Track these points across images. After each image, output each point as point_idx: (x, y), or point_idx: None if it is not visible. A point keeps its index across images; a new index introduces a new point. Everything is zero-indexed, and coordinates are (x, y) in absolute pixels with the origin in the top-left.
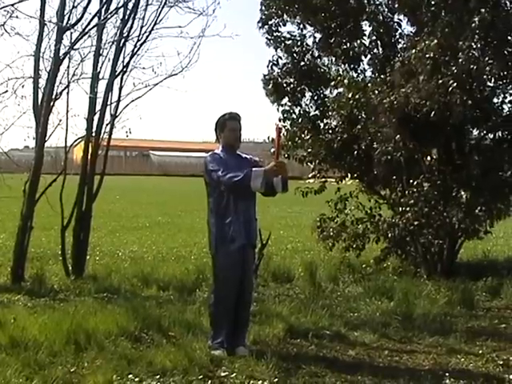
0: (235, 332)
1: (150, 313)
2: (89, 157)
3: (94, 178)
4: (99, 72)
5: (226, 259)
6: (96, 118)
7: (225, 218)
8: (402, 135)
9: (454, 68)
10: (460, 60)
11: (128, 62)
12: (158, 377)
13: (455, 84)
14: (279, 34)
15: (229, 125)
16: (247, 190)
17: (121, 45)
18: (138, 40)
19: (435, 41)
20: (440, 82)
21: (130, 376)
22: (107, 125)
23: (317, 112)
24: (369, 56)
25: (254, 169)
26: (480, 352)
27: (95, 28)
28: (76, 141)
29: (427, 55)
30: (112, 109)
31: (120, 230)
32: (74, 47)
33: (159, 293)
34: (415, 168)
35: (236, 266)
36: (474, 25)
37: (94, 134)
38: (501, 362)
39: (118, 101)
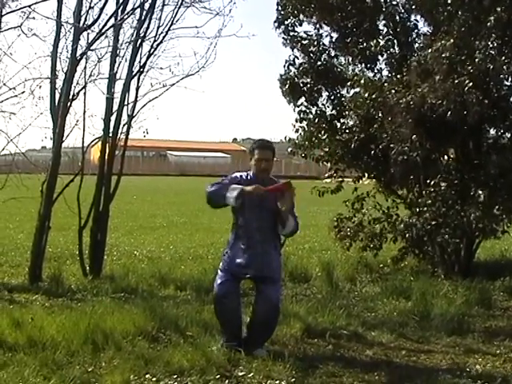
0: (252, 336)
1: (167, 313)
2: (106, 157)
3: (111, 178)
4: (116, 72)
5: (221, 281)
6: (113, 118)
7: (237, 242)
8: (419, 135)
9: (470, 67)
10: (476, 59)
11: (145, 63)
12: (175, 376)
13: (471, 83)
14: (295, 34)
15: (256, 154)
16: (221, 201)
17: (137, 45)
18: (155, 40)
19: (451, 40)
20: (456, 81)
21: (148, 376)
22: (124, 125)
23: (333, 112)
24: (385, 55)
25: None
26: (498, 352)
27: (112, 28)
28: (93, 141)
29: (443, 55)
30: (129, 109)
31: (137, 230)
32: (91, 48)
33: (176, 293)
34: (432, 168)
35: (229, 293)
36: (489, 24)
37: (111, 135)
38: None
39: (135, 101)
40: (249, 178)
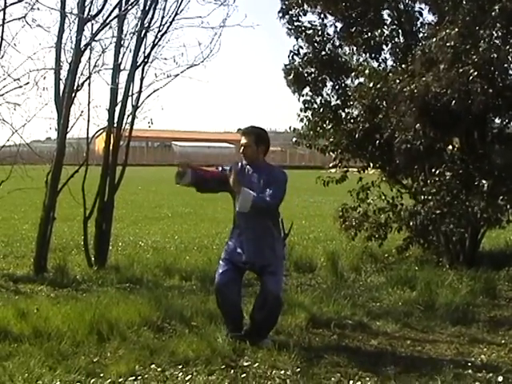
0: (254, 326)
1: (172, 303)
2: (111, 148)
3: (116, 169)
4: (120, 63)
5: (222, 271)
6: (118, 108)
7: (235, 230)
8: (422, 124)
9: (474, 56)
10: (481, 49)
11: (149, 53)
12: (180, 366)
13: (476, 73)
14: (300, 24)
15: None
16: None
17: (142, 35)
18: (159, 31)
19: (456, 29)
20: (461, 70)
21: (153, 366)
22: (129, 116)
23: (338, 101)
24: (390, 45)
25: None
26: (502, 342)
27: (116, 19)
28: (98, 132)
29: (448, 44)
30: (133, 99)
31: (142, 221)
32: (95, 38)
33: (181, 283)
34: (437, 157)
35: (230, 283)
36: (494, 13)
37: (115, 125)
38: None
39: (140, 91)
40: (241, 165)
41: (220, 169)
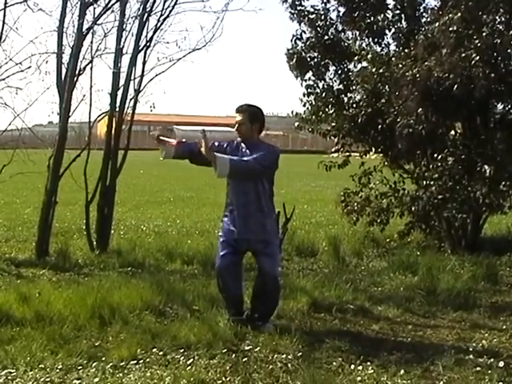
0: (254, 310)
1: (174, 287)
2: (113, 132)
3: (118, 153)
4: (123, 47)
5: (222, 254)
6: (120, 92)
7: (227, 207)
8: (425, 108)
9: (477, 41)
10: (484, 33)
11: (151, 37)
12: (182, 350)
13: (478, 57)
14: (303, 8)
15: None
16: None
17: (144, 19)
18: (162, 15)
19: (459, 14)
20: (463, 55)
21: (155, 350)
22: (131, 100)
23: (341, 86)
24: (393, 30)
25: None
26: (504, 327)
27: (118, 3)
28: (100, 116)
29: (450, 28)
30: (136, 84)
31: (144, 205)
32: (98, 22)
33: (183, 267)
34: (439, 142)
35: (230, 266)
36: None
37: (117, 109)
38: None
39: (142, 75)
40: (236, 143)
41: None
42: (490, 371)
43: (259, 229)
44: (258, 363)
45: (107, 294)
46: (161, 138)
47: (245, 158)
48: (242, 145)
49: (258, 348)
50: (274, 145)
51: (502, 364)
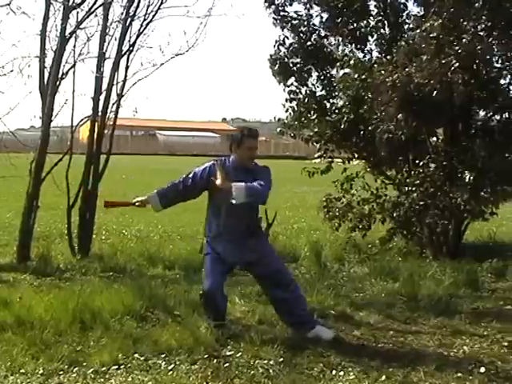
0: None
1: (155, 292)
2: (95, 136)
3: (100, 158)
4: (105, 51)
5: (212, 276)
6: (102, 97)
7: (210, 231)
8: (404, 114)
9: (457, 48)
10: (464, 40)
11: (134, 42)
12: (163, 356)
13: (458, 64)
14: (286, 14)
15: (246, 142)
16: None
17: (127, 24)
18: (145, 19)
19: (440, 21)
20: (443, 61)
21: (136, 355)
22: (113, 104)
23: (323, 92)
24: (375, 36)
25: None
26: (485, 333)
27: (101, 7)
28: (82, 120)
29: (432, 35)
30: (118, 88)
31: (126, 210)
32: (80, 26)
33: (165, 272)
34: (420, 148)
35: (219, 288)
36: (478, 5)
37: (100, 114)
38: (506, 344)
39: (125, 80)
40: (230, 165)
41: (202, 168)
42: (471, 377)
43: (250, 253)
44: (239, 369)
45: (88, 298)
46: (137, 203)
47: (259, 186)
48: (239, 169)
49: (240, 353)
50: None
51: (483, 370)
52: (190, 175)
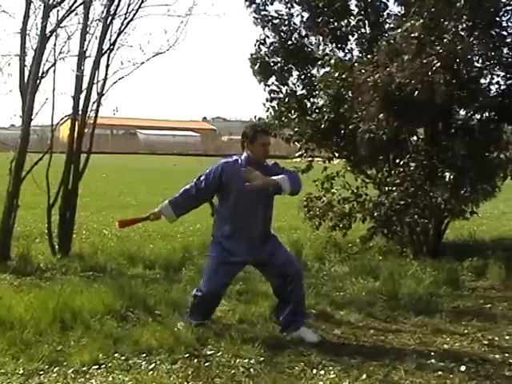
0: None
1: (136, 291)
2: (75, 135)
3: (81, 157)
4: (86, 50)
5: (219, 266)
6: (82, 96)
7: (222, 229)
8: (386, 114)
9: (439, 48)
10: (445, 40)
11: (115, 40)
12: (143, 355)
13: (439, 64)
14: (266, 13)
15: (260, 139)
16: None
17: (108, 22)
18: (125, 18)
19: (421, 20)
20: (424, 61)
21: (116, 355)
22: (94, 103)
23: (304, 91)
24: (356, 35)
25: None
26: (465, 332)
27: (82, 6)
28: (62, 119)
29: (413, 35)
30: (99, 87)
31: (106, 209)
32: (61, 25)
33: (145, 271)
34: (401, 148)
35: (223, 291)
36: (459, 5)
37: (80, 113)
38: (486, 342)
39: (105, 79)
40: (242, 164)
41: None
42: (451, 375)
43: (265, 252)
44: (220, 368)
45: (69, 298)
46: (151, 217)
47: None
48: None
49: (220, 353)
50: None
51: (463, 368)
52: (202, 177)
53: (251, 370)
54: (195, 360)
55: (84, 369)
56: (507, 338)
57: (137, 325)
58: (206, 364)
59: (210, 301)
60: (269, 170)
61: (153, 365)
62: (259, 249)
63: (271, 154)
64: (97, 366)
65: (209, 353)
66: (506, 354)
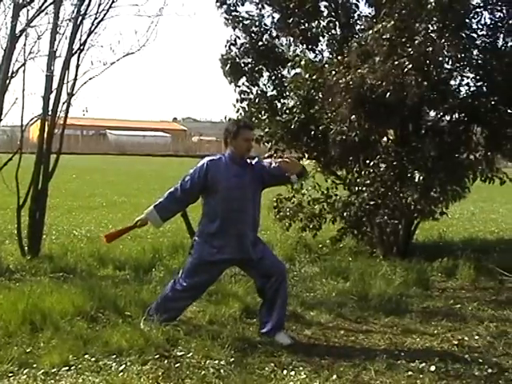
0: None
1: (106, 292)
2: (45, 135)
3: (50, 157)
4: (56, 50)
5: (202, 266)
6: (52, 96)
7: (208, 227)
8: (357, 115)
9: (410, 49)
10: (416, 41)
11: (85, 40)
12: (114, 357)
13: (411, 65)
14: (237, 14)
15: (242, 133)
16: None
17: (78, 22)
18: (96, 18)
19: (392, 22)
20: (396, 63)
21: (86, 356)
22: (64, 103)
23: (274, 92)
24: (327, 37)
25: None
26: (435, 332)
27: (52, 5)
28: (32, 119)
29: (384, 36)
30: (69, 87)
31: (76, 210)
32: (31, 24)
33: (115, 272)
34: (372, 149)
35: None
36: (430, 6)
37: (50, 113)
38: (455, 342)
39: (75, 79)
40: (226, 161)
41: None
42: (421, 375)
43: (250, 249)
44: (190, 369)
45: (38, 299)
46: (138, 223)
47: None
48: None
49: (191, 354)
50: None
51: (433, 368)
52: (187, 178)
53: (221, 370)
54: (165, 361)
55: (54, 370)
56: (477, 337)
57: (107, 326)
58: (177, 365)
59: (182, 298)
60: (251, 167)
61: (123, 366)
62: (250, 249)
63: None
64: (67, 368)
65: (179, 354)
66: (476, 354)
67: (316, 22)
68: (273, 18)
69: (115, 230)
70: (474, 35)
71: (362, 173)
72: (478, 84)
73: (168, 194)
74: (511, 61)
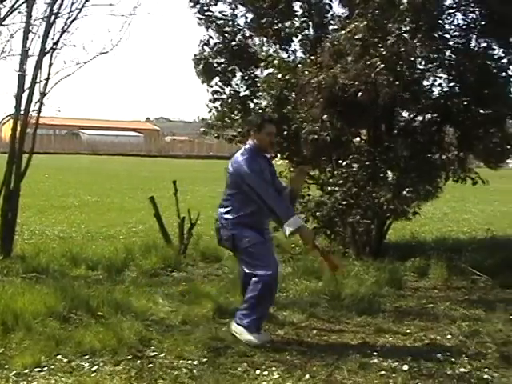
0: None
1: (78, 293)
2: (17, 135)
3: (23, 157)
4: (28, 49)
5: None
6: (25, 95)
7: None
8: (330, 115)
9: (382, 49)
10: (389, 42)
11: (58, 39)
12: (86, 357)
13: (383, 65)
14: (210, 14)
15: (267, 127)
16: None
17: (51, 21)
18: (69, 17)
19: (365, 22)
20: (368, 62)
21: (59, 357)
22: (36, 103)
23: (247, 92)
24: (300, 37)
25: (295, 216)
26: (408, 331)
27: (25, 4)
28: (4, 119)
29: (356, 36)
30: (41, 86)
31: (48, 209)
32: (3, 23)
33: (88, 272)
34: (344, 149)
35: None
36: (402, 7)
37: (22, 112)
38: (428, 341)
39: (48, 78)
40: (254, 154)
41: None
42: (394, 375)
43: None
44: (163, 369)
45: (10, 300)
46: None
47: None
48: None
49: (163, 354)
50: None
51: (406, 367)
52: (264, 175)
53: (194, 371)
54: (138, 361)
55: (26, 371)
56: (449, 337)
57: (79, 326)
58: (149, 365)
59: (271, 290)
60: (270, 163)
61: (96, 366)
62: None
63: (214, 155)
64: (39, 369)
65: (152, 354)
66: (448, 353)
67: (289, 22)
68: (246, 18)
69: (326, 262)
70: (447, 36)
71: (335, 173)
72: (451, 84)
73: (276, 199)
74: (483, 62)
